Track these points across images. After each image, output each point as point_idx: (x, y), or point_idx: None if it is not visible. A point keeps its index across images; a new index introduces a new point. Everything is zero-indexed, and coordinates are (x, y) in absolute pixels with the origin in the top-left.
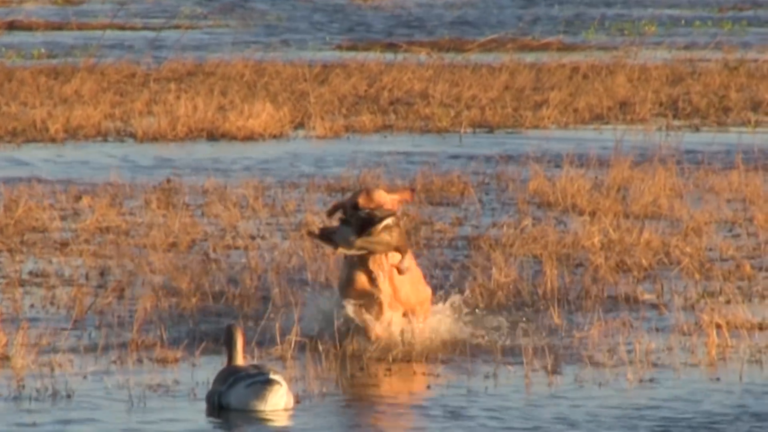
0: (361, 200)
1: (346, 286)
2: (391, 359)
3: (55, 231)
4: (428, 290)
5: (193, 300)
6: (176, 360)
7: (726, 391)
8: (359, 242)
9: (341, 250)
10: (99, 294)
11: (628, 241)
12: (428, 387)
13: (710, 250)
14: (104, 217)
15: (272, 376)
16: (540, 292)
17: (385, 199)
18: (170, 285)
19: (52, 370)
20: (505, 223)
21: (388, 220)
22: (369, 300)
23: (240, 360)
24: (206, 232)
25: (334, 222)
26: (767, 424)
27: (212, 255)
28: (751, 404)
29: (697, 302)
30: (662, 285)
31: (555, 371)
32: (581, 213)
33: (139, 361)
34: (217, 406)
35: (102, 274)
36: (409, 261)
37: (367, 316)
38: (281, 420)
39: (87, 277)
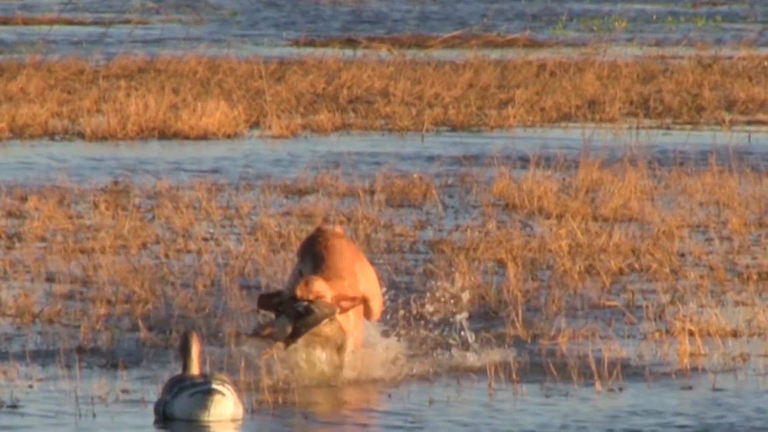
0: (299, 291)
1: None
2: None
3: (0, 234)
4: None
5: (144, 305)
6: (126, 368)
7: (698, 401)
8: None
9: (278, 346)
10: (46, 299)
11: (597, 245)
12: (389, 396)
13: (682, 254)
14: (51, 219)
15: (215, 385)
16: (505, 298)
17: (324, 290)
18: (120, 290)
19: None
20: (468, 226)
21: (330, 316)
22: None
23: (195, 368)
24: (157, 235)
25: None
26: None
27: (164, 259)
28: (724, 414)
29: (668, 308)
30: (632, 291)
31: (520, 381)
32: (548, 216)
33: (89, 368)
34: (163, 416)
35: (49, 278)
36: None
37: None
38: (230, 431)
39: (33, 282)
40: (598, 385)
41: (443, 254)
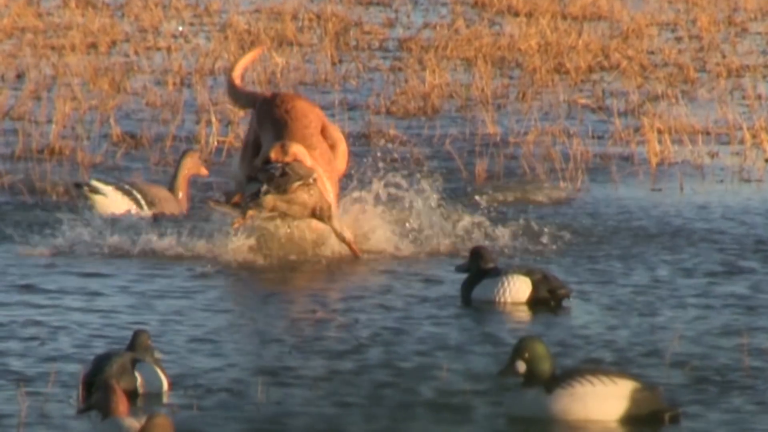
0: (274, 154)
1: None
2: None
3: None
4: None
5: (113, 102)
6: (95, 164)
7: (667, 203)
8: (270, 200)
9: (250, 214)
10: (16, 98)
11: (567, 44)
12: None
13: (652, 53)
14: (20, 17)
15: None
16: (474, 96)
17: (302, 153)
18: (90, 88)
19: None
20: (437, 24)
21: (308, 179)
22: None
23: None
24: (127, 32)
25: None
26: (708, 237)
27: (133, 57)
28: (691, 215)
29: (637, 107)
30: (602, 89)
31: (487, 178)
32: (517, 14)
33: (59, 166)
34: None
35: (19, 76)
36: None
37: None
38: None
39: (3, 80)
40: (562, 184)
41: (412, 52)
